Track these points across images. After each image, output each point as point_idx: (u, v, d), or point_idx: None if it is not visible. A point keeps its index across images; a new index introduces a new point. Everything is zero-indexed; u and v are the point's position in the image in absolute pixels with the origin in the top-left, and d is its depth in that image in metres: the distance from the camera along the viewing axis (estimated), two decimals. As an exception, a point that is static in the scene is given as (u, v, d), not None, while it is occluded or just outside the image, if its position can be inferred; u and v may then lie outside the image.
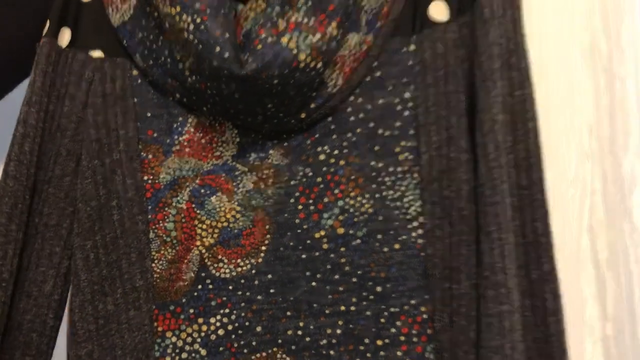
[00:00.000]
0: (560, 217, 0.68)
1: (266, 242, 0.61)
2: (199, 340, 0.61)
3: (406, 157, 0.59)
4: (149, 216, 0.62)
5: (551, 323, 0.56)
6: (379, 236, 0.59)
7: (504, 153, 0.56)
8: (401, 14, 0.60)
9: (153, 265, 0.62)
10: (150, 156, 0.63)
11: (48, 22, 0.63)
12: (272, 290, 0.61)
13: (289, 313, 0.60)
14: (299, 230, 0.61)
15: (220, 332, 0.61)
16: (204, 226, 0.62)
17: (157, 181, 0.62)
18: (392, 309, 0.59)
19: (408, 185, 0.59)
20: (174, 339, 0.61)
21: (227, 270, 0.61)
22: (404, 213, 0.59)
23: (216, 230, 0.62)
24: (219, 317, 0.61)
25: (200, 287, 0.61)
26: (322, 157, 0.61)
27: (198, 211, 0.62)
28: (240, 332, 0.60)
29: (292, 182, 0.62)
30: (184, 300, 0.61)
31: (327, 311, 0.60)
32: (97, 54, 0.64)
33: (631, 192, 0.67)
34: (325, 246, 0.60)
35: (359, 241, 0.60)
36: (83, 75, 0.63)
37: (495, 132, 0.55)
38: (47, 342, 0.61)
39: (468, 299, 0.57)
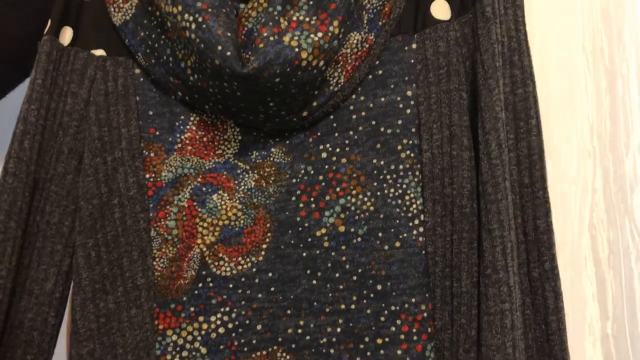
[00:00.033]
0: (562, 215, 0.68)
1: (267, 240, 0.61)
2: (199, 338, 0.61)
3: (408, 154, 0.60)
4: (151, 214, 0.62)
5: (552, 321, 0.56)
6: (380, 234, 0.59)
7: (506, 151, 0.56)
8: (403, 13, 0.60)
9: (154, 263, 0.62)
10: (152, 154, 0.63)
11: (49, 21, 0.63)
12: (272, 289, 0.61)
13: (289, 311, 0.60)
14: (300, 229, 0.61)
15: (221, 330, 0.61)
16: (205, 224, 0.62)
17: (158, 179, 0.62)
18: (392, 307, 0.59)
19: (409, 183, 0.59)
20: (174, 337, 0.61)
21: (228, 269, 0.61)
22: (405, 211, 0.59)
23: (217, 229, 0.62)
24: (219, 315, 0.61)
25: (201, 285, 0.61)
26: (323, 155, 0.61)
27: (199, 209, 0.62)
28: (240, 330, 0.60)
29: (294, 180, 0.62)
30: (184, 298, 0.61)
31: (327, 309, 0.60)
32: (99, 52, 0.64)
33: (632, 190, 0.67)
34: (326, 244, 0.60)
35: (359, 239, 0.60)
36: (85, 73, 0.63)
37: (497, 130, 0.55)
38: (48, 341, 0.61)
39: (469, 297, 0.57)
